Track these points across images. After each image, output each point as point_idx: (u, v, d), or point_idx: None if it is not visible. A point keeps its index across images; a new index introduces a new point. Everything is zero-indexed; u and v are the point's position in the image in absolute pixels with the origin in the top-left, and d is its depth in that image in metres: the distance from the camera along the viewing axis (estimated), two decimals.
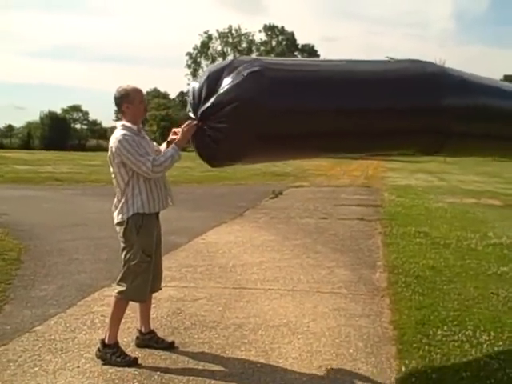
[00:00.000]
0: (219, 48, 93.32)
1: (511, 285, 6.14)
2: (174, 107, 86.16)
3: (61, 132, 62.02)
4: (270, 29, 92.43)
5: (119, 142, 3.87)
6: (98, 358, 3.97)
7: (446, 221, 11.27)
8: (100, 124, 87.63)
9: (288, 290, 5.97)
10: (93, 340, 4.33)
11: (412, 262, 7.11)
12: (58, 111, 71.83)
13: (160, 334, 4.39)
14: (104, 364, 3.89)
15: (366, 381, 3.73)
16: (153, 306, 5.24)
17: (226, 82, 3.25)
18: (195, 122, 3.49)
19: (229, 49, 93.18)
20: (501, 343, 4.36)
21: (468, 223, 10.99)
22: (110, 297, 5.57)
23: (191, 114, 3.53)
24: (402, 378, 3.75)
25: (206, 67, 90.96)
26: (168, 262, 7.05)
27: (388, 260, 7.36)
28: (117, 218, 4.04)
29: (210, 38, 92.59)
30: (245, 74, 3.20)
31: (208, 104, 3.32)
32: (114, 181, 4.05)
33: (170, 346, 4.23)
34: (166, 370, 3.83)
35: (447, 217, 12.00)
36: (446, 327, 4.68)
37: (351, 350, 4.24)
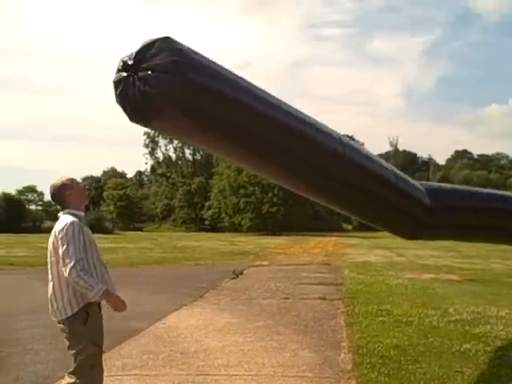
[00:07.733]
0: None
1: (474, 363, 6.15)
2: (132, 186, 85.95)
3: (15, 214, 60.44)
4: None
5: (69, 225, 3.77)
6: None
7: (406, 298, 11.33)
8: (55, 205, 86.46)
9: (252, 375, 5.83)
10: None
11: (376, 342, 7.08)
12: (12, 192, 70.51)
13: None
14: None
15: None
16: None
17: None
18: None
19: None
20: None
21: (428, 299, 11.07)
22: None
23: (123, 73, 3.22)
24: None
25: (163, 146, 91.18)
26: (128, 349, 6.85)
27: (352, 340, 7.30)
28: (63, 313, 3.83)
29: None
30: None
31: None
32: (54, 270, 3.85)
33: None
34: None
35: (408, 293, 12.08)
36: None
37: None
